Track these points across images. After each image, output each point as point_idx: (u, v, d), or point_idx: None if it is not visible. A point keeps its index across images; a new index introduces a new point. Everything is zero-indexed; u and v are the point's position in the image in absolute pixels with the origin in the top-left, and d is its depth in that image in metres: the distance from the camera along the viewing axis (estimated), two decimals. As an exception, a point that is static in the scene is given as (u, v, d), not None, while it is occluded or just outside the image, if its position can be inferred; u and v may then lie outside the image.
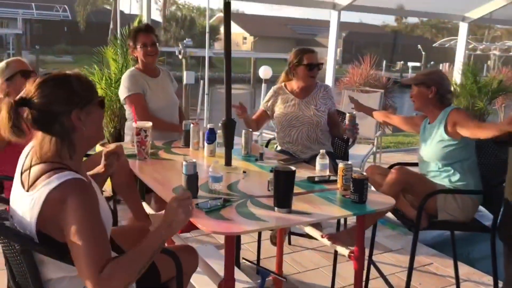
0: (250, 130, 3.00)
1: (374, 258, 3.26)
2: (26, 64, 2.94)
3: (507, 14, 7.38)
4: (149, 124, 2.77)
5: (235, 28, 42.01)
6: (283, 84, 3.63)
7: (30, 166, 1.60)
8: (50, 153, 1.58)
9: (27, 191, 1.56)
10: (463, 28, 7.27)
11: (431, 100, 2.99)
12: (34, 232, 1.53)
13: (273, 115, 3.60)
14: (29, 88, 1.59)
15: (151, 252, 1.54)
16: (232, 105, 2.75)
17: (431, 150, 2.98)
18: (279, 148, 3.60)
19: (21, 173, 1.64)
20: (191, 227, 2.14)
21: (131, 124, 3.48)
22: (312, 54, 3.47)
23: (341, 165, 2.30)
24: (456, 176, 2.90)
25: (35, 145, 1.62)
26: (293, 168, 2.03)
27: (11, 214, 1.66)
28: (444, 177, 2.93)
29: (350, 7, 6.09)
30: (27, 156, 1.67)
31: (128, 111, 3.52)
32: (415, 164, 3.16)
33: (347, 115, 3.23)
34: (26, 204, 1.55)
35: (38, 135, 1.61)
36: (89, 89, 1.67)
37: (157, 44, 3.51)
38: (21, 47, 31.66)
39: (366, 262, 2.97)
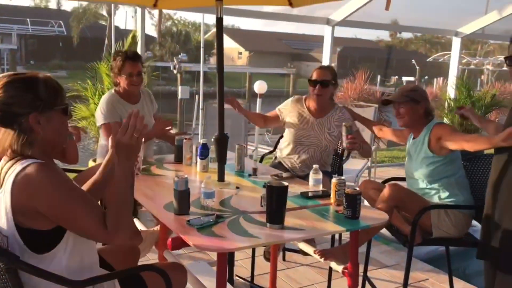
0: (243, 145, 2.98)
1: (369, 274, 3.23)
2: None
3: (499, 29, 7.44)
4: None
5: (230, 43, 42.20)
6: (304, 96, 3.55)
7: (1, 168, 1.62)
8: (12, 147, 1.59)
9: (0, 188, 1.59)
10: (456, 43, 7.32)
11: (420, 116, 2.99)
12: (14, 229, 1.54)
13: (284, 122, 3.52)
14: None
15: (127, 185, 1.60)
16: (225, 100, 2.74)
17: (418, 168, 2.96)
18: (277, 161, 3.56)
19: None
20: (183, 244, 2.11)
21: (104, 145, 3.39)
22: (319, 70, 3.37)
23: (334, 180, 2.28)
24: (446, 193, 2.88)
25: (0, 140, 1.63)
26: (286, 183, 2.01)
27: None
28: (433, 194, 2.91)
29: (344, 23, 6.11)
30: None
31: (101, 134, 3.43)
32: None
33: (342, 125, 3.12)
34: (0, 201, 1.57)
35: (1, 129, 1.62)
36: (54, 95, 1.66)
37: (143, 73, 3.42)
38: (15, 62, 31.62)
39: (361, 278, 2.94)
